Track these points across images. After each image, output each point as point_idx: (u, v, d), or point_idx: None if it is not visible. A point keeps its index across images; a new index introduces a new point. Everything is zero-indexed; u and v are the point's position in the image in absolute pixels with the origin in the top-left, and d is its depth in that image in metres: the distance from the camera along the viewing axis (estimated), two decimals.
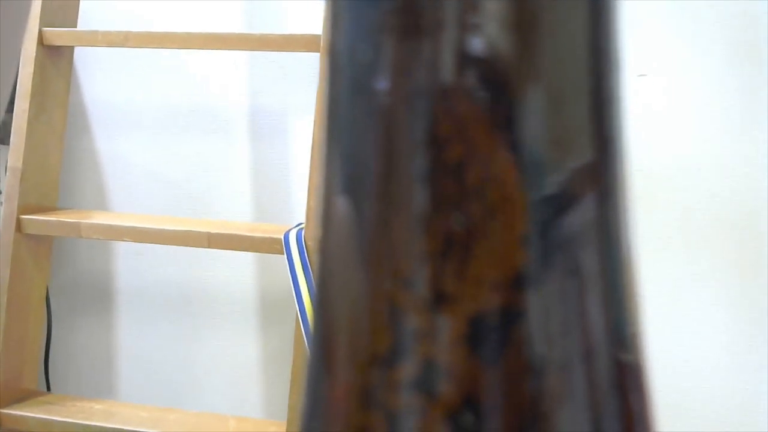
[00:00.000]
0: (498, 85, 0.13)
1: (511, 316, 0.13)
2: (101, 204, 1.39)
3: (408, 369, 0.13)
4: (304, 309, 1.09)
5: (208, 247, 1.18)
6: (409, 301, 0.13)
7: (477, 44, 0.13)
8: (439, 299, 0.13)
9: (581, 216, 0.14)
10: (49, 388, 1.38)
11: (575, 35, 0.14)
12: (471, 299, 0.13)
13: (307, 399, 0.15)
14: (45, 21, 1.24)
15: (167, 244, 1.22)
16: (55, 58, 1.28)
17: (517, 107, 0.13)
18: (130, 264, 1.39)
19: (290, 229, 1.15)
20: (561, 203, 0.13)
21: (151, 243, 1.23)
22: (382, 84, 0.13)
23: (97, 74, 1.38)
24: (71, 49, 1.31)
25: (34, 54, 1.23)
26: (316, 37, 1.14)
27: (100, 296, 1.41)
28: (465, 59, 0.13)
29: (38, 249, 1.28)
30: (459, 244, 0.13)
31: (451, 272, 0.13)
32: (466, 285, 0.13)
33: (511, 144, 0.13)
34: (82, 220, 1.23)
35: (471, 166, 0.13)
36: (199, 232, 1.17)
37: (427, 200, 0.13)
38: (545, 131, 0.13)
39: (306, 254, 1.11)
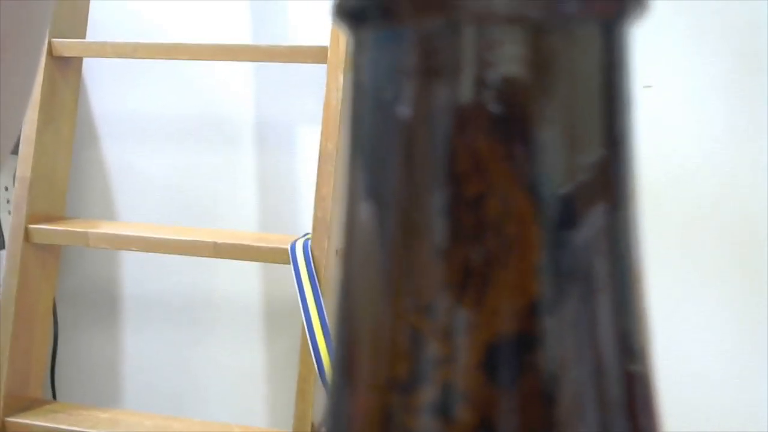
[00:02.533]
0: (515, 122, 0.14)
1: (527, 342, 0.14)
2: (108, 213, 1.40)
3: (427, 393, 0.14)
4: (310, 319, 1.10)
5: (215, 256, 1.19)
6: (428, 328, 0.14)
7: (494, 82, 0.14)
8: (458, 327, 0.14)
9: (593, 238, 0.14)
10: (55, 397, 1.38)
11: (588, 72, 0.14)
12: (488, 327, 0.14)
13: (328, 418, 0.15)
14: (54, 32, 1.25)
15: (174, 254, 1.23)
16: (64, 69, 1.28)
17: (533, 142, 0.14)
18: (137, 273, 1.40)
19: (297, 240, 1.15)
20: (574, 230, 0.14)
21: (158, 252, 1.23)
22: (404, 115, 0.14)
23: (106, 84, 1.39)
24: (80, 59, 1.31)
25: (43, 65, 1.24)
26: (323, 49, 1.15)
27: (107, 305, 1.42)
28: (482, 96, 0.14)
29: (46, 258, 1.29)
30: (477, 274, 0.14)
31: (470, 301, 0.14)
32: (483, 313, 0.14)
33: (528, 178, 0.14)
34: (89, 230, 1.24)
35: (489, 200, 0.14)
36: (206, 241, 1.18)
37: (446, 233, 0.14)
38: (560, 165, 0.14)
39: (312, 264, 1.12)
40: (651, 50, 1.18)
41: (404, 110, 0.14)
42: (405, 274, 0.14)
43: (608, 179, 0.14)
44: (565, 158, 0.14)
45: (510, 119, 0.14)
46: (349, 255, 0.15)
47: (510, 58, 0.14)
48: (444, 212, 0.14)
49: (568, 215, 0.14)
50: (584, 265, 0.14)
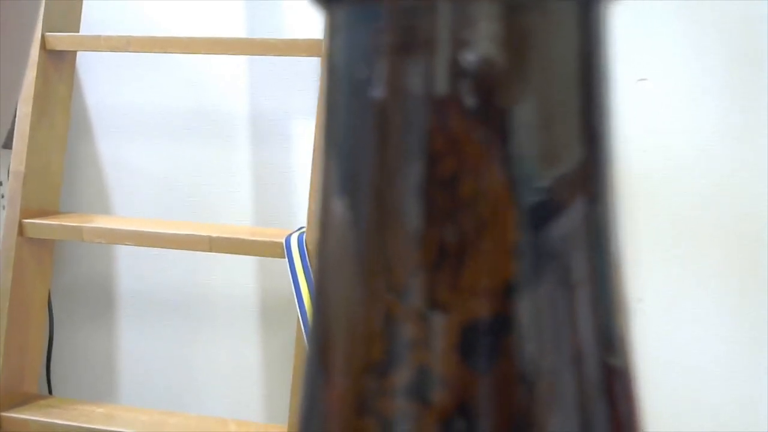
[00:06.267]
0: (490, 100, 0.14)
1: (503, 324, 0.13)
2: (103, 208, 1.40)
3: (402, 376, 0.13)
4: (305, 313, 1.10)
5: (210, 251, 1.18)
6: (403, 310, 0.14)
7: (469, 60, 0.13)
8: (433, 309, 0.13)
9: (570, 222, 0.14)
10: (50, 392, 1.38)
11: (565, 52, 0.14)
12: (463, 309, 0.13)
13: (304, 403, 0.15)
14: (47, 26, 1.25)
15: (169, 248, 1.22)
16: (58, 63, 1.28)
17: (509, 121, 0.14)
18: (132, 267, 1.40)
19: (291, 233, 1.15)
20: (550, 212, 0.14)
21: (153, 247, 1.23)
22: (378, 95, 0.14)
23: (100, 78, 1.39)
24: (74, 53, 1.31)
25: (37, 59, 1.24)
26: (316, 41, 1.15)
27: (102, 300, 1.42)
28: (458, 75, 0.14)
29: (40, 252, 1.29)
30: (452, 255, 0.13)
31: (445, 283, 0.13)
32: (458, 295, 0.13)
33: (503, 158, 0.13)
34: (84, 224, 1.24)
35: (464, 179, 0.13)
36: (201, 235, 1.18)
37: (421, 213, 0.13)
38: (536, 145, 0.14)
39: (307, 258, 1.11)
40: (646, 43, 1.18)
41: (378, 90, 0.14)
42: (379, 256, 0.14)
43: (587, 154, 0.14)
44: (540, 139, 0.14)
45: (485, 98, 0.13)
46: (323, 241, 0.15)
47: (486, 36, 0.13)
48: (418, 193, 0.13)
49: (544, 197, 0.14)
50: (560, 248, 0.14)
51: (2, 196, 1.37)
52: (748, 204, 1.18)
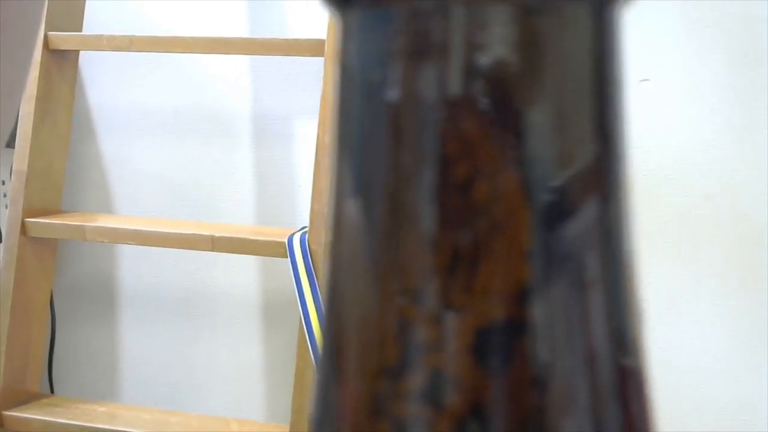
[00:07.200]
0: (504, 103, 0.14)
1: (517, 328, 0.13)
2: (105, 207, 1.40)
3: (416, 379, 0.14)
4: (307, 312, 1.10)
5: (212, 250, 1.18)
6: (417, 314, 0.14)
7: (483, 64, 0.14)
8: (447, 312, 0.13)
9: (583, 222, 0.14)
10: (52, 390, 1.38)
11: (579, 54, 0.14)
12: (478, 312, 0.13)
13: (317, 406, 0.15)
14: (50, 25, 1.25)
15: (171, 248, 1.22)
16: (61, 62, 1.28)
17: (523, 125, 0.14)
18: (134, 267, 1.40)
19: (294, 233, 1.15)
20: (564, 212, 0.14)
21: (155, 246, 1.23)
22: (392, 98, 0.14)
23: (102, 78, 1.39)
24: (76, 53, 1.31)
25: (40, 58, 1.24)
26: (320, 41, 1.15)
27: (104, 299, 1.42)
28: (472, 78, 0.14)
29: (43, 252, 1.29)
30: (466, 258, 0.13)
31: (459, 286, 0.13)
32: (472, 298, 0.13)
33: (518, 160, 0.14)
34: (86, 223, 1.24)
35: (478, 183, 0.13)
36: (203, 235, 1.18)
37: (435, 216, 0.14)
38: (550, 146, 0.14)
39: (309, 258, 1.11)
40: (649, 43, 1.18)
41: (392, 93, 0.14)
42: (393, 259, 0.14)
43: (599, 163, 0.14)
44: (554, 142, 0.14)
45: (499, 101, 0.13)
46: (336, 243, 0.15)
47: (499, 40, 0.13)
48: (432, 195, 0.14)
49: (558, 199, 0.14)
50: (574, 248, 0.14)
51: (5, 195, 1.37)
52: (748, 204, 1.18)
